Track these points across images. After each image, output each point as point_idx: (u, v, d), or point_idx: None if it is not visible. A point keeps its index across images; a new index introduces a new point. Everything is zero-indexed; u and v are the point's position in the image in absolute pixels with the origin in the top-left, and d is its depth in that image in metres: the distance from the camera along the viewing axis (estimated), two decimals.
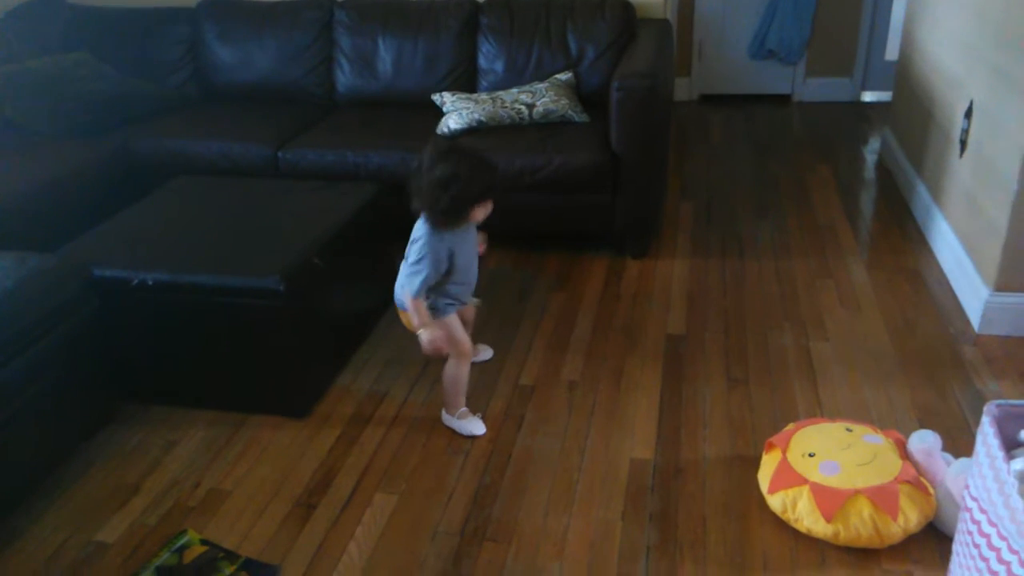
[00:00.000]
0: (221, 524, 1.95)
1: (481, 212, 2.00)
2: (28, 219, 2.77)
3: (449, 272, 2.04)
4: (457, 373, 2.20)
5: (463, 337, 2.18)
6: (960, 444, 2.06)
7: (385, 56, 3.52)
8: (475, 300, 2.81)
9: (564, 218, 3.08)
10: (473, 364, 2.38)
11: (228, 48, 3.64)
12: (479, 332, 2.60)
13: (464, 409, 2.26)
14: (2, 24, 3.64)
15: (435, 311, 2.09)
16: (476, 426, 2.23)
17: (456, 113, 3.15)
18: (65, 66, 3.47)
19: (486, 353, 2.54)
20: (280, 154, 3.17)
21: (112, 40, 3.70)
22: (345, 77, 3.59)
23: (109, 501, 2.03)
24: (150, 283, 2.20)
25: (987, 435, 1.39)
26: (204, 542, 1.87)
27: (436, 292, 2.08)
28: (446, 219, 1.95)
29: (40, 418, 1.99)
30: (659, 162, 3.18)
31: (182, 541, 1.86)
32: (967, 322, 2.64)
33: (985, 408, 1.43)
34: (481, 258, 2.17)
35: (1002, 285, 2.51)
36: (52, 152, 3.09)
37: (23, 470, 1.98)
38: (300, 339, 2.26)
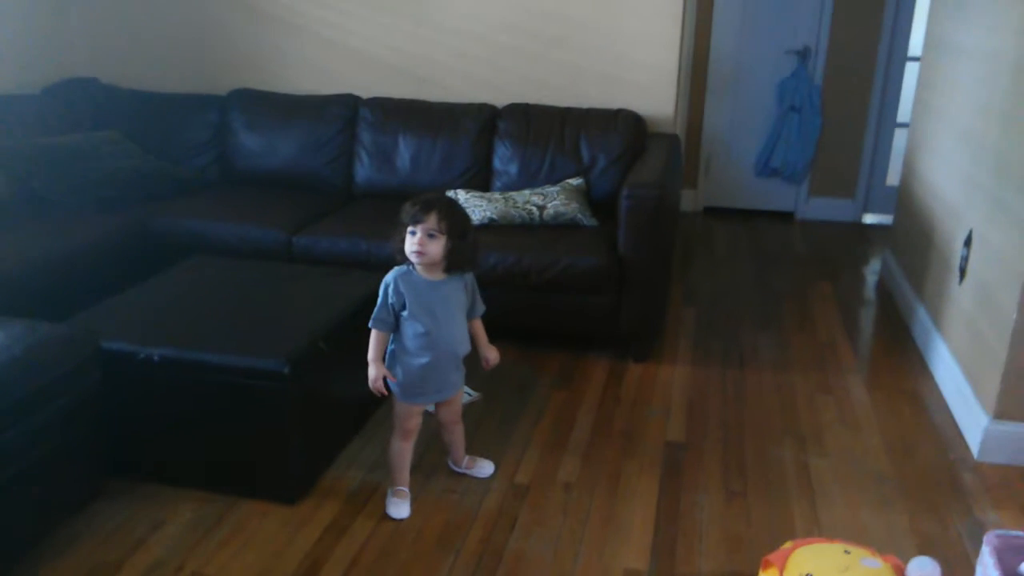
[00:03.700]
0: None
1: (407, 242, 2.07)
2: (45, 288, 2.81)
3: (409, 327, 2.11)
4: (393, 448, 2.27)
5: (406, 419, 2.23)
6: (959, 573, 2.02)
7: (404, 152, 3.65)
8: (472, 394, 2.81)
9: (568, 318, 3.12)
10: (472, 477, 2.42)
11: (253, 136, 3.78)
12: (478, 436, 2.60)
13: (400, 488, 2.27)
14: (39, 99, 3.78)
15: (399, 393, 2.19)
16: (397, 508, 2.24)
17: (469, 210, 3.23)
18: (94, 143, 3.59)
19: (484, 469, 2.44)
20: (295, 239, 3.24)
21: (142, 121, 3.84)
22: (364, 170, 3.71)
23: None
24: (156, 359, 2.22)
25: (987, 565, 1.38)
26: None
27: (401, 363, 2.15)
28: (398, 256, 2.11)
29: (31, 490, 1.96)
30: (664, 269, 3.25)
31: None
32: (967, 448, 2.63)
33: (985, 538, 1.42)
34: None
35: (1001, 414, 2.52)
36: (73, 225, 3.16)
37: (8, 543, 1.94)
38: (300, 423, 2.25)
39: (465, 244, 2.10)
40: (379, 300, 2.13)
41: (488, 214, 3.23)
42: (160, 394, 2.26)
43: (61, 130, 3.67)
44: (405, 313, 2.11)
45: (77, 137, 3.60)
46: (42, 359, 2.01)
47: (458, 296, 2.16)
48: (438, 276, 2.12)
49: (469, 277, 2.21)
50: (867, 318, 3.75)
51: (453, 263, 2.10)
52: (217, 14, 3.97)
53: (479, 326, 2.28)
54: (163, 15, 4.02)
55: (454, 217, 2.07)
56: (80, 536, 2.13)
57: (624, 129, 3.53)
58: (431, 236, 2.04)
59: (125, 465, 2.34)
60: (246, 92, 3.89)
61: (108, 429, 2.24)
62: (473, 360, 2.29)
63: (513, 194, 3.38)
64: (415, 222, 2.04)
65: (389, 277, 2.13)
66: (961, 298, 2.91)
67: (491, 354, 2.30)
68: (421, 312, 2.10)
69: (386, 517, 2.23)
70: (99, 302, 2.54)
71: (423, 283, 2.11)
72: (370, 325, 2.14)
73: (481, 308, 2.26)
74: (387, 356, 2.19)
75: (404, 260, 2.11)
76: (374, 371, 2.14)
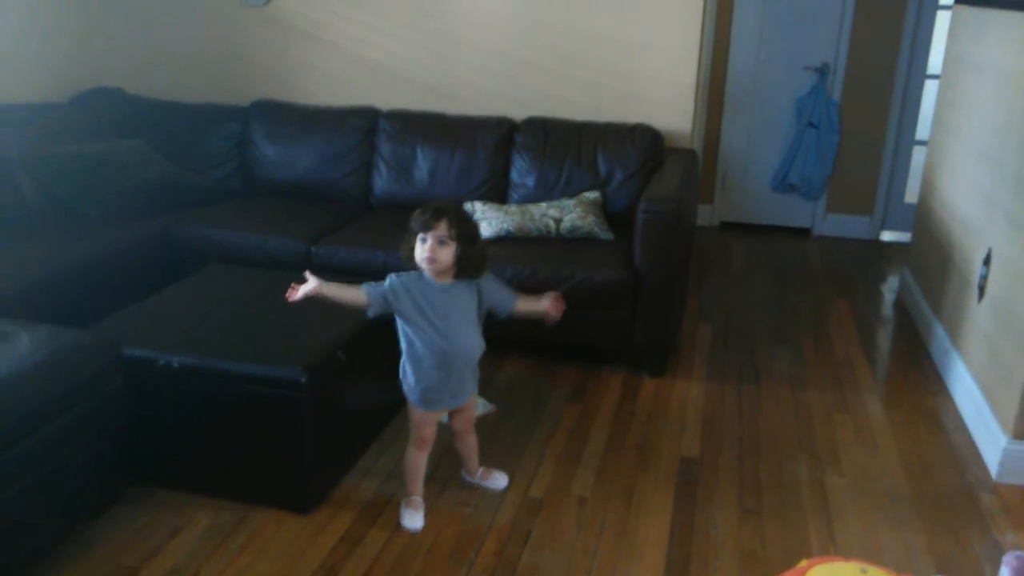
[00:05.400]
0: None
1: (418, 250, 2.08)
2: (69, 294, 2.86)
3: (423, 338, 2.11)
4: (408, 458, 2.28)
5: (421, 428, 2.24)
6: None
7: (422, 165, 3.68)
8: (488, 406, 2.82)
9: (584, 331, 3.12)
10: (486, 489, 2.42)
11: (274, 146, 3.82)
12: (492, 448, 2.61)
13: (414, 498, 2.28)
14: (66, 109, 3.85)
15: (417, 400, 2.19)
16: (411, 519, 2.24)
17: (486, 222, 3.26)
18: (118, 152, 3.64)
19: (498, 481, 2.45)
20: (313, 249, 3.27)
21: (166, 131, 3.89)
22: (382, 181, 3.74)
23: None
24: (175, 365, 2.24)
25: None
26: None
27: (418, 373, 2.16)
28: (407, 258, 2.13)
29: (51, 494, 1.99)
30: (679, 284, 3.25)
31: None
32: (985, 469, 2.61)
33: (1004, 558, 1.41)
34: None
35: (1021, 434, 2.49)
36: (97, 232, 3.20)
37: (26, 547, 1.96)
38: (316, 433, 2.27)
39: (475, 250, 2.12)
40: (384, 283, 2.12)
41: (505, 226, 3.25)
42: (179, 401, 2.29)
43: (87, 138, 3.73)
44: (414, 327, 2.12)
45: (102, 146, 3.65)
46: (65, 365, 2.04)
47: (469, 300, 2.18)
48: (448, 280, 2.14)
49: (482, 282, 2.21)
50: (884, 335, 3.73)
51: (463, 269, 2.13)
52: (240, 27, 4.03)
53: (524, 305, 2.25)
54: (187, 27, 4.08)
55: (463, 224, 2.10)
56: (98, 541, 2.15)
57: (641, 144, 3.54)
58: (442, 243, 2.06)
59: (145, 471, 2.36)
60: (267, 103, 3.94)
61: (128, 435, 2.26)
62: (486, 372, 2.30)
63: (530, 207, 3.39)
64: (426, 230, 2.06)
65: (396, 279, 2.13)
66: (980, 317, 2.89)
67: (549, 302, 2.24)
68: (434, 316, 2.11)
69: (400, 528, 2.24)
70: (121, 309, 2.58)
71: (435, 287, 2.13)
72: (362, 285, 2.12)
73: (512, 298, 2.23)
74: (401, 368, 2.20)
75: (414, 268, 2.13)
76: (312, 284, 2.10)
